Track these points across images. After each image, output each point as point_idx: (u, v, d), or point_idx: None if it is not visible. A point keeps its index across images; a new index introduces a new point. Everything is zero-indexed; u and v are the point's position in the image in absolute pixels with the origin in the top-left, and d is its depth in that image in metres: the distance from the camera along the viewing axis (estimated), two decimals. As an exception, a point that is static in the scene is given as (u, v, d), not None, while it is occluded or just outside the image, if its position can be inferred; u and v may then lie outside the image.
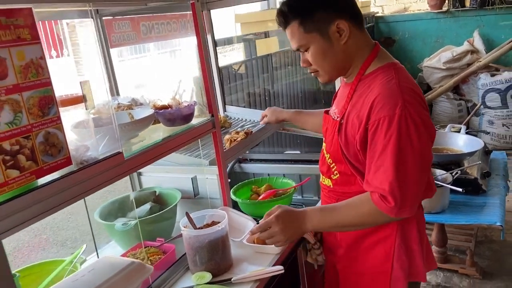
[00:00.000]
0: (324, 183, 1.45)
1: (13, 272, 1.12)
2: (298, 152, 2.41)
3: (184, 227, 1.41)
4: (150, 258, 1.43)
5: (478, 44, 5.42)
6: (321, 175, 1.47)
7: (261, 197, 2.04)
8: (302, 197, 2.20)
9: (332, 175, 1.38)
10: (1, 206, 0.90)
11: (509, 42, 4.26)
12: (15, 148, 0.92)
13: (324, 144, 1.44)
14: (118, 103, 1.53)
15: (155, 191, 1.81)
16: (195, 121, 1.56)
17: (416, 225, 1.32)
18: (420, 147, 1.15)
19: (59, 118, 1.02)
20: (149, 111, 1.46)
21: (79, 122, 1.16)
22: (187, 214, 1.44)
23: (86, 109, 1.12)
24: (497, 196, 2.40)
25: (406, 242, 1.31)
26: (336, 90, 1.51)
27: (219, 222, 1.40)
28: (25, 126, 0.94)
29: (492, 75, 4.99)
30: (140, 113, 1.45)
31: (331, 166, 1.37)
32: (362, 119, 1.20)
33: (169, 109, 1.52)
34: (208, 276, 1.36)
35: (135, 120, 1.38)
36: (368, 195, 1.22)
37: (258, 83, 2.90)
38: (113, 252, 1.63)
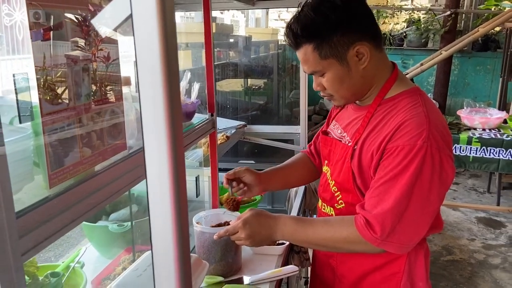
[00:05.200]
0: (324, 211, 1.32)
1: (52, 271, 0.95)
2: (253, 162, 2.44)
3: (197, 223, 1.34)
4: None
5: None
6: (320, 201, 1.35)
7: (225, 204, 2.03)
8: (272, 207, 2.22)
9: (336, 204, 1.26)
10: (67, 193, 0.76)
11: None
12: (90, 124, 0.82)
13: (327, 169, 1.32)
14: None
15: (133, 193, 1.68)
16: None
17: (424, 261, 1.22)
18: (428, 188, 1.05)
19: (121, 96, 0.92)
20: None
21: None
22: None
23: (136, 91, 1.02)
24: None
25: (413, 280, 1.21)
26: (331, 109, 1.44)
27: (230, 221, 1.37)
28: (100, 101, 0.84)
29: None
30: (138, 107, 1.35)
31: (336, 194, 1.25)
32: (381, 145, 1.09)
33: (174, 104, 1.45)
34: (219, 278, 1.31)
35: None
36: (352, 218, 1.12)
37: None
38: (91, 257, 1.47)
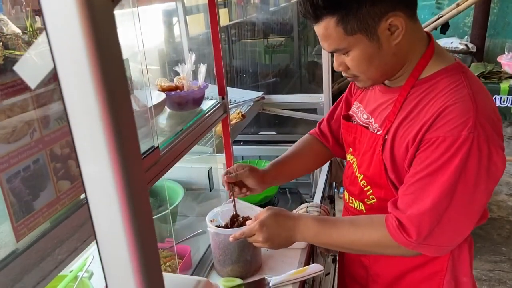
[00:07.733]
0: (352, 205, 1.19)
1: None
2: (274, 133, 2.30)
3: (211, 221, 1.25)
4: (168, 264, 1.24)
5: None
6: (347, 194, 1.22)
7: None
8: (296, 180, 2.09)
9: (366, 200, 1.13)
10: (51, 232, 0.65)
11: (434, 21, 4.52)
12: (66, 152, 0.69)
13: (352, 158, 1.18)
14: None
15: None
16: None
17: (468, 255, 1.10)
18: (474, 185, 0.91)
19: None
20: (159, 95, 1.24)
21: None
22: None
23: (131, 93, 0.89)
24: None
25: (456, 276, 1.09)
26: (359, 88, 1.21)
27: (248, 218, 1.26)
28: (75, 122, 0.71)
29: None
30: (142, 96, 1.21)
31: (365, 189, 1.12)
32: (417, 135, 0.94)
33: (179, 91, 1.31)
34: (238, 281, 1.23)
35: (154, 105, 1.16)
36: (383, 219, 0.99)
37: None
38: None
